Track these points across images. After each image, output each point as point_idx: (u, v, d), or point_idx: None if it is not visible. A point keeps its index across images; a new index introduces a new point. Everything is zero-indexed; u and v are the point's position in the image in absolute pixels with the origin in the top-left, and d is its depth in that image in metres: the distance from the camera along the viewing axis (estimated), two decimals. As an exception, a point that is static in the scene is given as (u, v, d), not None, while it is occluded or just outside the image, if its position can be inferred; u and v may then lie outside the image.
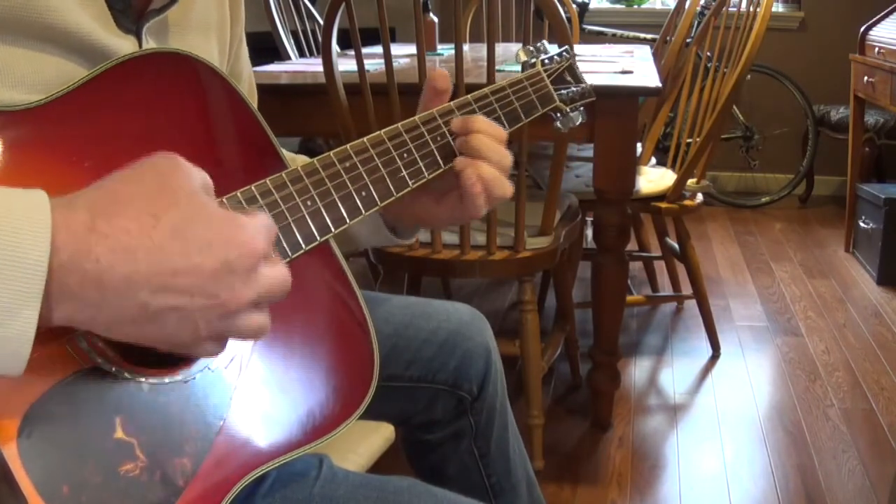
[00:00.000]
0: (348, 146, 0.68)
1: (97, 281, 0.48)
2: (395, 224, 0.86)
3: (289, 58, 2.74)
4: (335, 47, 1.58)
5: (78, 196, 0.50)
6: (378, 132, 0.71)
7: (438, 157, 0.74)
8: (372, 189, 0.68)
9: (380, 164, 0.70)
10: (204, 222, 0.51)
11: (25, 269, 0.45)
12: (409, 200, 0.76)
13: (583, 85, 0.92)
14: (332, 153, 0.67)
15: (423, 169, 0.73)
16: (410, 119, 0.74)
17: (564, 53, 0.92)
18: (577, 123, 0.92)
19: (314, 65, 2.17)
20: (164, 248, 0.49)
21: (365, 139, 0.70)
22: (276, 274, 0.54)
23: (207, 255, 0.50)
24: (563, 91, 0.89)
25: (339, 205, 0.66)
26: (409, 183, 0.71)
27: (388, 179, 0.70)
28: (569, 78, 0.91)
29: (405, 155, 0.71)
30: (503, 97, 0.82)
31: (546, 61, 0.90)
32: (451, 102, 0.77)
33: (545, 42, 0.93)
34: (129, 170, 0.52)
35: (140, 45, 0.68)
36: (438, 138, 0.74)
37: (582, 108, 0.92)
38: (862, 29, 3.17)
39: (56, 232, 0.47)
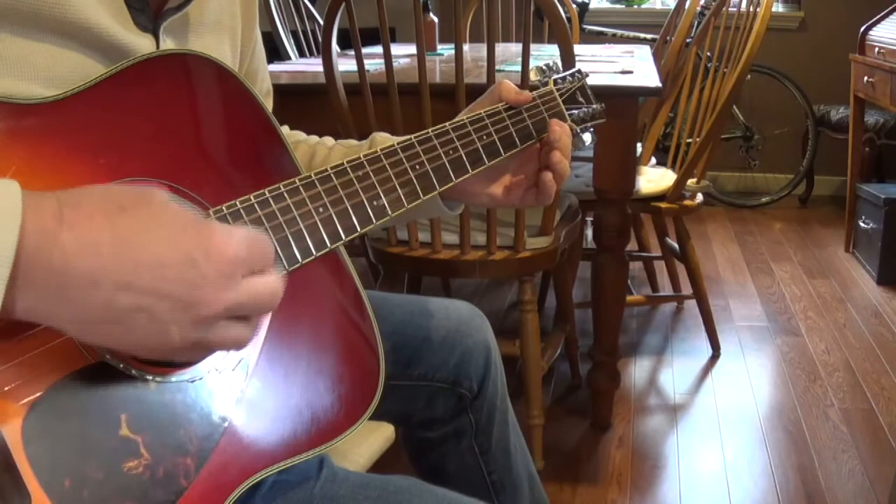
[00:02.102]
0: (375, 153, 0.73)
1: (61, 272, 0.47)
2: (449, 198, 0.89)
3: (289, 58, 2.74)
4: (335, 47, 1.58)
5: (51, 191, 0.49)
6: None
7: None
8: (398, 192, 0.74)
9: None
10: (173, 221, 0.50)
11: None
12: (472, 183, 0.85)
13: (594, 106, 0.93)
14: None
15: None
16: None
17: (577, 74, 0.93)
18: (587, 144, 0.92)
19: (314, 65, 2.17)
20: (128, 240, 0.48)
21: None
22: (262, 286, 0.53)
23: (171, 250, 0.49)
24: (574, 111, 0.90)
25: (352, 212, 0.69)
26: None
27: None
28: (580, 98, 0.92)
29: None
30: (515, 114, 0.84)
31: (558, 81, 0.90)
32: (465, 118, 0.80)
33: (557, 61, 0.94)
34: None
35: (157, 44, 0.69)
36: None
37: (592, 129, 0.93)
38: (862, 29, 3.17)
39: (24, 220, 0.46)
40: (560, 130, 0.84)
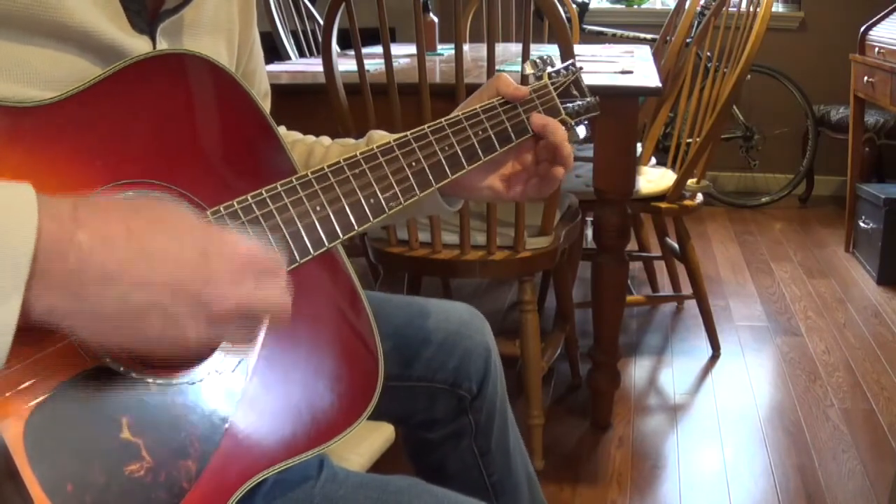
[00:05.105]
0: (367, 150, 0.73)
1: (78, 270, 0.48)
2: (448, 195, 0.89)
3: (289, 58, 2.74)
4: (335, 47, 1.58)
5: (65, 196, 0.50)
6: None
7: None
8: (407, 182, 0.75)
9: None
10: (185, 220, 0.52)
11: (10, 258, 0.45)
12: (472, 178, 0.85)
13: (588, 99, 0.93)
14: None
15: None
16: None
17: (571, 67, 0.93)
18: (581, 138, 0.92)
19: (314, 65, 2.17)
20: (142, 236, 0.50)
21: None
22: (272, 287, 0.54)
23: (185, 246, 0.51)
24: (568, 105, 0.90)
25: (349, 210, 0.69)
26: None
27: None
28: (574, 91, 0.92)
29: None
30: (510, 108, 0.84)
31: (553, 74, 0.90)
32: (460, 114, 0.80)
33: (552, 55, 0.94)
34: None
35: (154, 46, 0.69)
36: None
37: (587, 122, 0.93)
38: (862, 29, 3.17)
39: (41, 224, 0.47)
40: (555, 127, 0.84)
